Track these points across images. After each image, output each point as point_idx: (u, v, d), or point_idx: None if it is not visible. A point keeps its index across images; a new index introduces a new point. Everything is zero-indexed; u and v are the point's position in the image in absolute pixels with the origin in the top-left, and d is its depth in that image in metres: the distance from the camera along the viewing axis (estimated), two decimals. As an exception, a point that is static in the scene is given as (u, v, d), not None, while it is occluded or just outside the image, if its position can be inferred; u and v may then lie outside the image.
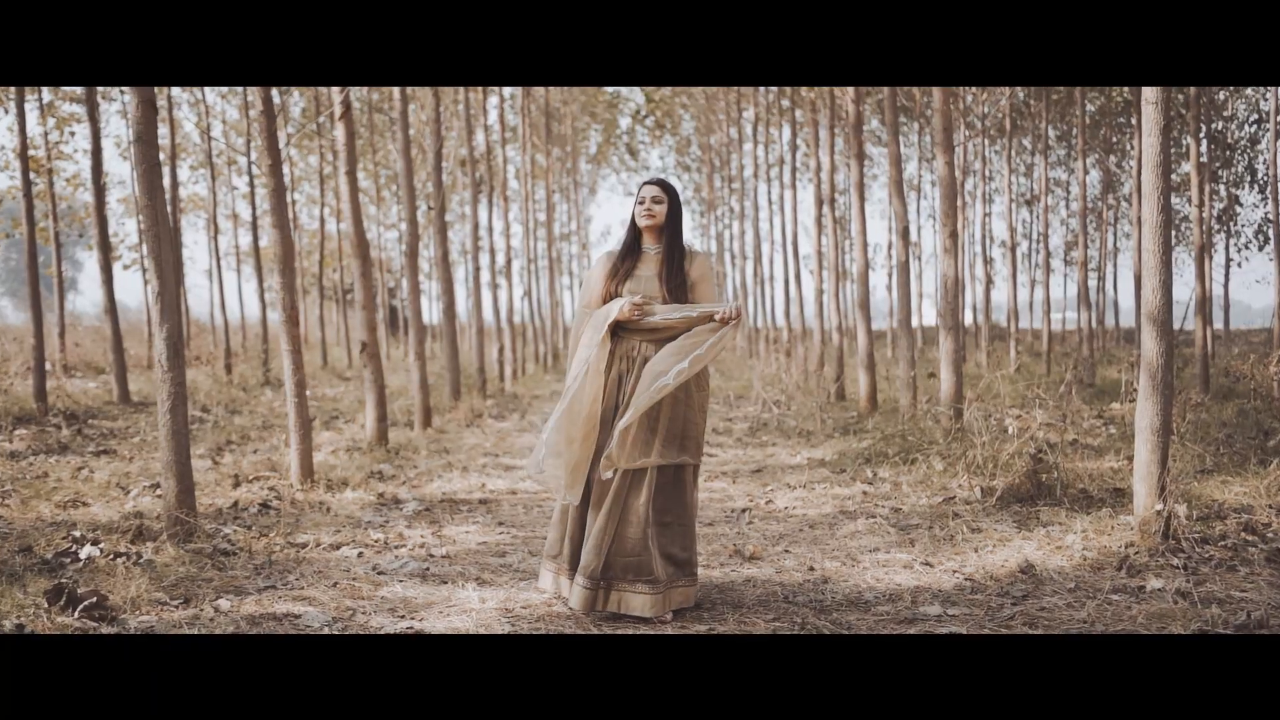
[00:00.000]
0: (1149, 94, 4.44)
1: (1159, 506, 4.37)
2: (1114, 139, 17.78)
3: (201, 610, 3.64)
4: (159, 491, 5.71)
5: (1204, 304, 11.71)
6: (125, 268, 16.79)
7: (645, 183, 3.73)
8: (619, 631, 3.45)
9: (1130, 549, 4.32)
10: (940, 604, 3.75)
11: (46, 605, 3.48)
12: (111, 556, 4.22)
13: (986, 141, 19.60)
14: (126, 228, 34.00)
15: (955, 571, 4.20)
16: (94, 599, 3.55)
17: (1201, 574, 4.01)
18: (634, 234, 3.76)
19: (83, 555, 4.25)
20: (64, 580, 3.80)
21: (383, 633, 3.45)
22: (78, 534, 4.55)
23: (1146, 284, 4.53)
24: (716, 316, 3.58)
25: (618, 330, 3.66)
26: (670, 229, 3.70)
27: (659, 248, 3.71)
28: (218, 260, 16.32)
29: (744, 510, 5.63)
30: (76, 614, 3.46)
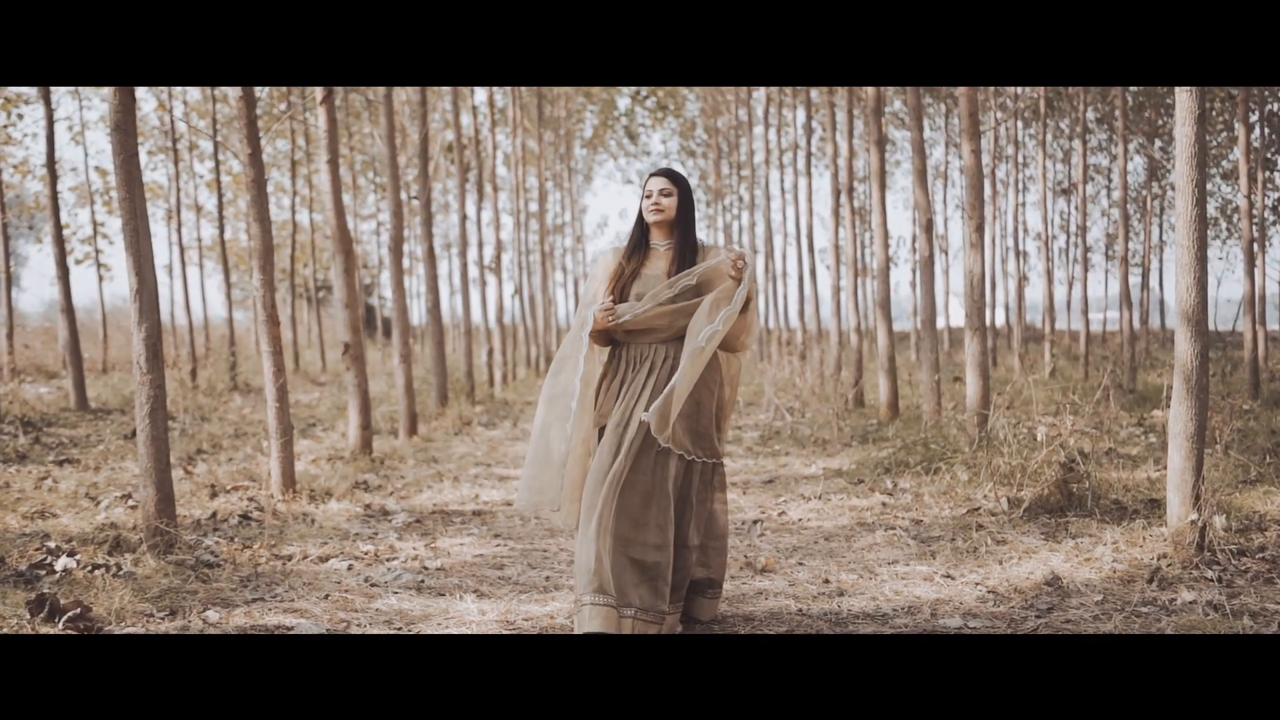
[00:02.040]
0: (1183, 81, 4.66)
1: (1193, 516, 4.59)
2: (1159, 122, 18.02)
3: (190, 623, 3.86)
4: (132, 502, 5.94)
5: (1254, 303, 11.95)
6: (78, 262, 17.02)
7: (652, 174, 3.82)
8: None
9: (1162, 560, 4.54)
10: (961, 617, 3.96)
11: (29, 616, 3.70)
12: (89, 568, 4.44)
13: (1020, 125, 19.84)
14: (80, 219, 34.22)
15: (978, 584, 4.42)
16: (78, 610, 3.76)
17: (1236, 586, 4.23)
18: (641, 229, 3.84)
19: (59, 567, 4.47)
20: (45, 591, 4.01)
21: (385, 633, 3.67)
22: (52, 545, 4.76)
23: (1181, 282, 4.75)
24: (729, 269, 3.65)
25: (617, 336, 3.79)
26: (681, 223, 3.78)
27: (669, 244, 3.80)
28: (182, 255, 16.52)
29: (755, 522, 5.85)
30: (60, 625, 3.68)
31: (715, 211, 25.83)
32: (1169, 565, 4.48)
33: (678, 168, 25.66)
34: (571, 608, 3.98)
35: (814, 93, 16.53)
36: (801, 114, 17.95)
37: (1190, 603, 4.01)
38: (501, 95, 18.45)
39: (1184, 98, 4.68)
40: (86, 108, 20.19)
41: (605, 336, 3.79)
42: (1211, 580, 4.29)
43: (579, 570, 3.56)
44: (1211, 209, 20.99)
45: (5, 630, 3.61)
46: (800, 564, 4.87)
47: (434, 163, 18.65)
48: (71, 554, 4.63)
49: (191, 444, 8.58)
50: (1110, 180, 21.61)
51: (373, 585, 4.48)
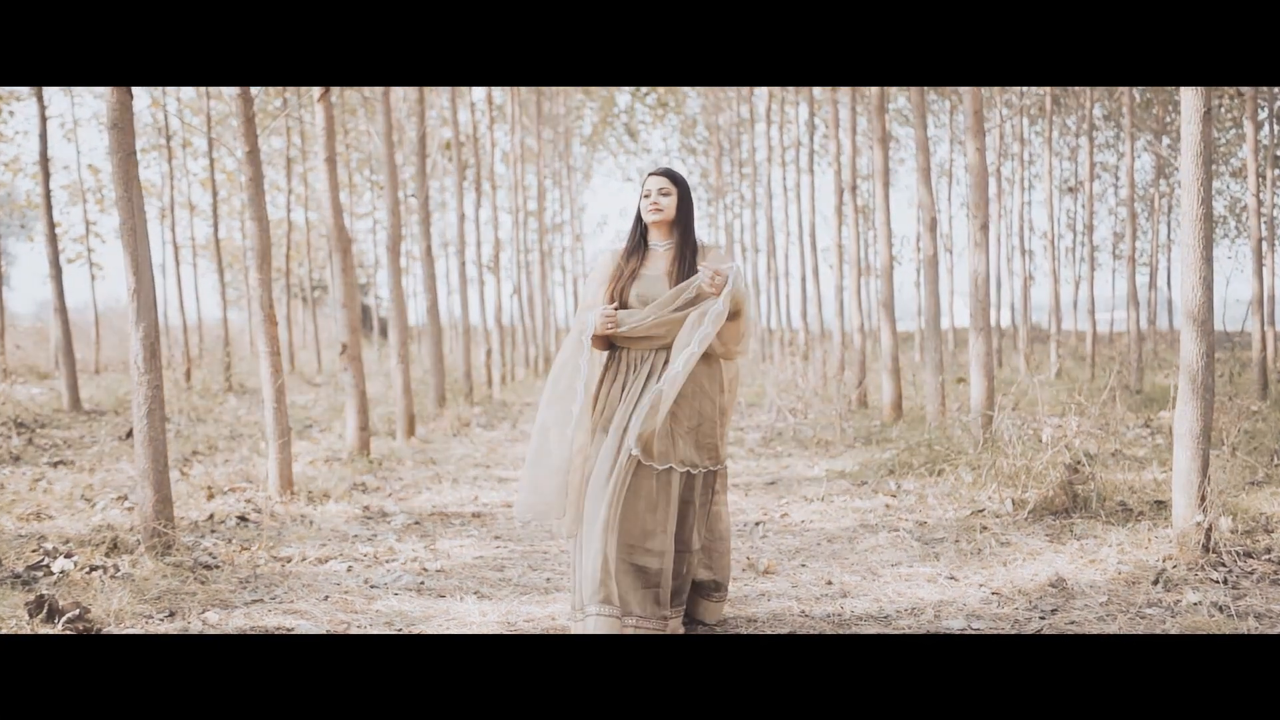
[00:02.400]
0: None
1: (1199, 518, 4.63)
2: (1167, 119, 18.05)
3: (189, 624, 3.90)
4: (128, 503, 5.98)
5: (1263, 302, 11.99)
6: (70, 261, 17.05)
7: (650, 173, 3.86)
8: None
9: (1168, 562, 4.58)
10: (965, 618, 4.01)
11: (28, 617, 3.74)
12: (87, 569, 4.48)
13: (1026, 122, 19.87)
14: (71, 217, 34.27)
15: (981, 585, 4.46)
16: (76, 611, 3.81)
17: (1242, 588, 4.26)
18: (640, 229, 3.88)
19: (56, 568, 4.51)
20: (44, 593, 4.05)
21: (385, 634, 3.71)
22: (49, 546, 4.80)
23: (1186, 281, 4.79)
24: (708, 287, 3.64)
25: (617, 342, 3.82)
26: (681, 223, 3.83)
27: (669, 244, 3.83)
28: (176, 254, 16.57)
29: (758, 524, 5.89)
30: (59, 626, 3.73)
31: (717, 210, 25.87)
32: (1174, 567, 4.52)
33: (678, 166, 25.71)
34: (570, 612, 4.01)
35: (817, 90, 16.56)
36: (804, 111, 17.99)
37: (1195, 604, 4.04)
38: (500, 92, 18.51)
39: (1190, 96, 4.72)
40: (78, 105, 20.22)
41: (605, 341, 3.83)
42: (1217, 582, 4.33)
43: (583, 579, 3.57)
44: (1220, 208, 21.06)
45: (4, 631, 3.65)
46: (803, 566, 4.91)
47: (431, 160, 18.67)
48: (69, 555, 4.67)
49: (187, 445, 8.62)
50: (1117, 178, 21.65)
51: (372, 587, 4.52)
